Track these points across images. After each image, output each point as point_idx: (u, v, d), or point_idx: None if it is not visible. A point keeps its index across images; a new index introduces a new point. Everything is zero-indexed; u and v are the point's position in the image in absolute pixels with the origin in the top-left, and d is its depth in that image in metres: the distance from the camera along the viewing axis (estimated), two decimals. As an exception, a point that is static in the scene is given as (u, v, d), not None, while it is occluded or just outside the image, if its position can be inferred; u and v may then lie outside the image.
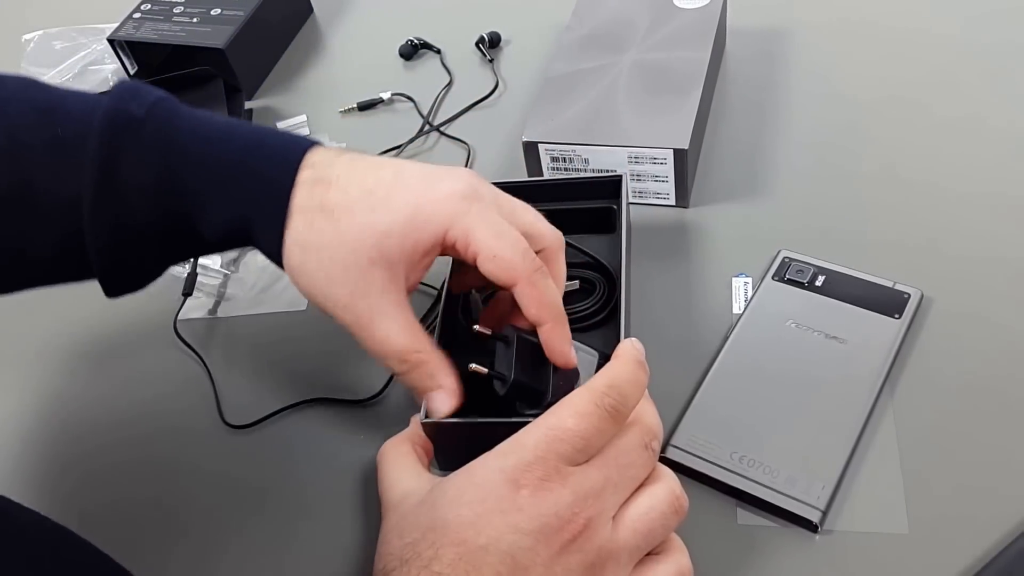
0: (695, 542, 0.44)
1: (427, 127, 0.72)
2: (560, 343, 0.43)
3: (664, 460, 0.48)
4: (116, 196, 0.42)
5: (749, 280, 0.57)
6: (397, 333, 0.42)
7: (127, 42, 0.79)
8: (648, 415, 0.39)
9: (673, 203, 0.62)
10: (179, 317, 0.61)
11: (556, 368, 0.44)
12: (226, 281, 0.64)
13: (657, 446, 0.39)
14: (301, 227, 0.42)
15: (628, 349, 0.39)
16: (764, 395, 0.50)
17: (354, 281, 0.42)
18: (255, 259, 0.65)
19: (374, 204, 0.42)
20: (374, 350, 0.43)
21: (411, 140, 0.71)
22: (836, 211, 0.60)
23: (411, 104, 0.75)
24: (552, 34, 0.77)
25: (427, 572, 0.34)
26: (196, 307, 0.62)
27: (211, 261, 0.64)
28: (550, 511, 0.35)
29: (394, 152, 0.71)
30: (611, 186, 0.58)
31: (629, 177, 0.61)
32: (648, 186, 0.61)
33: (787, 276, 0.56)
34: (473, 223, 0.42)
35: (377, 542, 0.39)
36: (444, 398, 0.43)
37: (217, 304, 0.63)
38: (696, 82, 0.62)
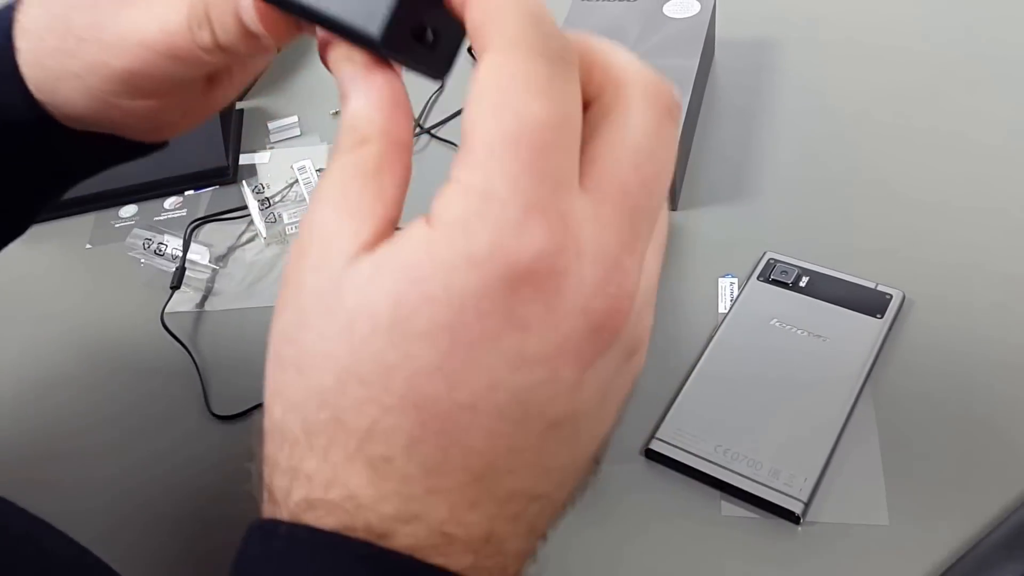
0: (681, 534, 0.45)
1: (418, 130, 0.73)
2: None
3: (650, 453, 0.48)
4: None
5: (735, 280, 0.58)
6: (160, 8, 0.32)
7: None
8: (622, 57, 0.25)
9: (661, 205, 0.63)
10: (166, 310, 0.61)
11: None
12: (214, 276, 0.64)
13: (673, 103, 0.25)
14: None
15: None
16: (749, 391, 0.51)
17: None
18: (244, 255, 0.65)
19: None
20: (162, 48, 0.32)
21: (402, 141, 0.72)
22: (821, 214, 0.61)
23: (403, 107, 0.76)
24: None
25: (347, 470, 0.22)
26: (184, 301, 0.62)
27: (199, 256, 0.64)
28: (575, 310, 0.22)
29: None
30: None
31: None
32: (636, 188, 0.62)
33: (772, 277, 0.57)
34: None
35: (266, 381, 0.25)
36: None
37: (205, 298, 0.63)
38: (685, 89, 0.63)
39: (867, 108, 0.68)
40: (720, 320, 0.55)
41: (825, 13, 0.77)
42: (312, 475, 0.23)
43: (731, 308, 0.55)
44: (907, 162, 0.64)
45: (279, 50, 0.33)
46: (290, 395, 0.24)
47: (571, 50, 0.23)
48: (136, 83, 0.33)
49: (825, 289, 0.55)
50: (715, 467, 0.47)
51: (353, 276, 0.22)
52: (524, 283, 0.21)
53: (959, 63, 0.71)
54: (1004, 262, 0.56)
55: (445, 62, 0.27)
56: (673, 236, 0.61)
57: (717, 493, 0.47)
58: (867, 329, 0.53)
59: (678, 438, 0.49)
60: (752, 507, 0.46)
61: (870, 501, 0.45)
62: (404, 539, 0.22)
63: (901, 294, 0.54)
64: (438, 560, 0.23)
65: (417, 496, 0.22)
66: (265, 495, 0.24)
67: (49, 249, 0.67)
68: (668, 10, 0.70)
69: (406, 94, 0.25)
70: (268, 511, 0.24)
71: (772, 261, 0.58)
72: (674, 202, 0.63)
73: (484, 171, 0.21)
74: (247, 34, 0.30)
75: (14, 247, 0.67)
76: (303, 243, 0.24)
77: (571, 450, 0.25)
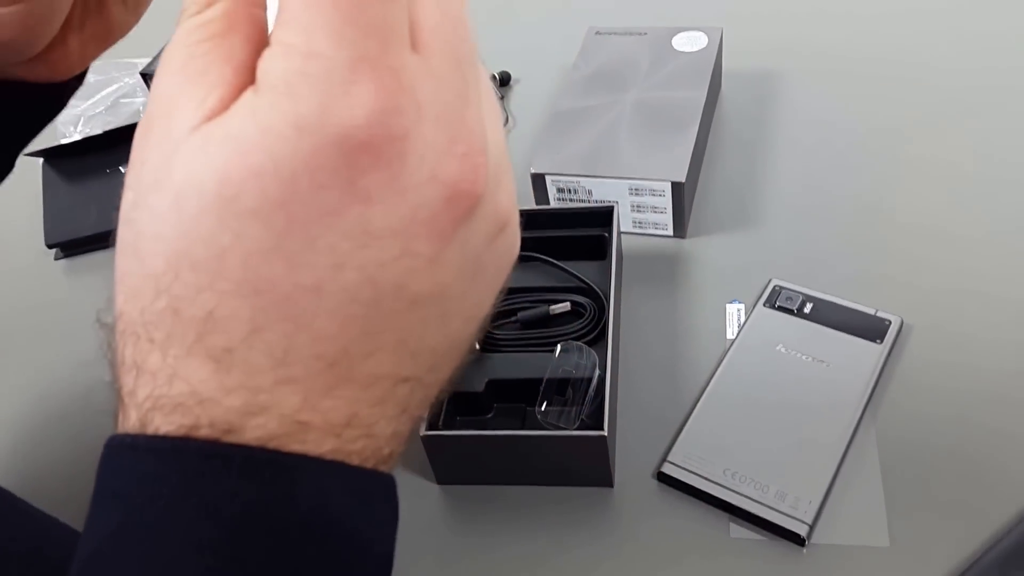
0: (692, 557, 0.47)
1: None
2: None
3: (662, 476, 0.51)
4: None
5: (742, 306, 0.60)
6: None
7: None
8: None
9: (671, 233, 0.66)
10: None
11: None
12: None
13: None
14: None
15: None
16: (756, 415, 0.53)
17: None
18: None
19: None
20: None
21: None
22: (824, 242, 0.64)
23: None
24: (560, 74, 0.80)
25: (188, 365, 0.21)
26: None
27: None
28: (423, 176, 0.21)
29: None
30: (604, 216, 0.62)
31: (630, 208, 0.65)
32: (648, 217, 0.65)
33: (777, 303, 0.60)
34: None
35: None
36: None
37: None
38: (693, 119, 0.66)
39: (869, 138, 0.71)
40: (728, 345, 0.58)
41: (829, 45, 0.80)
42: (156, 372, 0.22)
43: (738, 334, 0.58)
44: (907, 191, 0.66)
45: None
46: (130, 283, 0.22)
47: None
48: None
49: (828, 315, 0.58)
50: (724, 490, 0.50)
51: (184, 149, 0.20)
52: (361, 149, 0.20)
53: (959, 94, 0.73)
54: (1001, 288, 0.58)
55: None
56: (682, 263, 0.64)
57: (726, 516, 0.50)
58: (867, 354, 0.56)
59: (689, 462, 0.52)
60: (759, 529, 0.49)
61: (871, 523, 0.48)
62: (254, 431, 0.21)
63: (900, 320, 0.57)
64: (294, 447, 0.22)
65: (265, 387, 0.21)
66: (115, 396, 0.23)
67: (93, 280, 0.70)
68: (677, 43, 0.73)
69: None
70: (119, 414, 0.23)
71: (777, 288, 0.60)
72: (683, 230, 0.65)
73: (302, 27, 0.20)
74: None
75: (59, 275, 0.71)
76: (149, 116, 0.22)
77: (439, 331, 0.23)
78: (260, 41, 0.22)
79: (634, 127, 0.67)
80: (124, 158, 0.74)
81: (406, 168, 0.20)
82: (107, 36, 0.37)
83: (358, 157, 0.20)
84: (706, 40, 0.72)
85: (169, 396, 0.21)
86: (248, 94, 0.20)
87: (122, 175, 0.74)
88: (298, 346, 0.21)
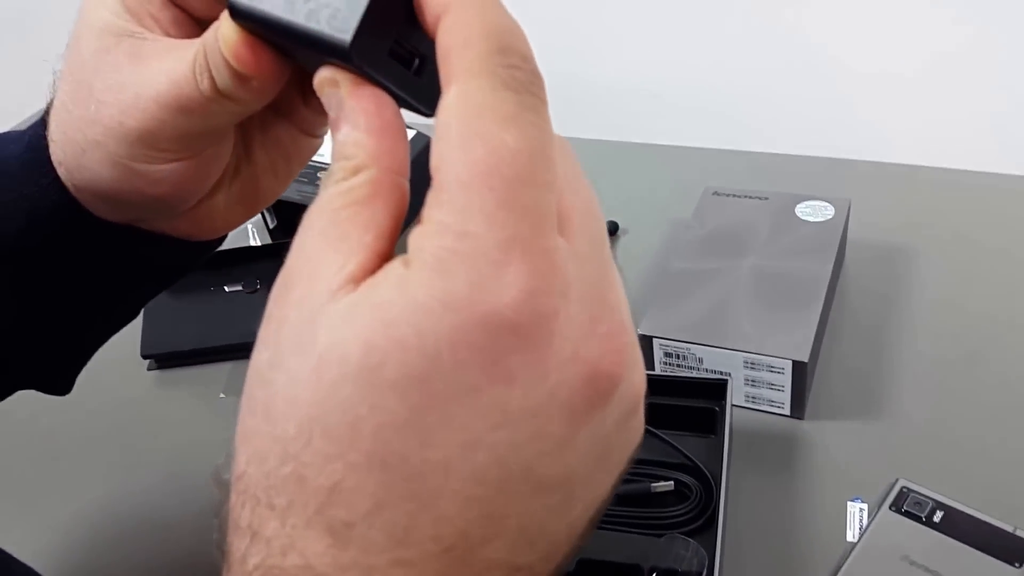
0: None
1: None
2: None
3: None
4: None
5: (865, 507, 0.55)
6: (171, 61, 0.30)
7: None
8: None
9: (788, 413, 0.61)
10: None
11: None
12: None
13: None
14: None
15: None
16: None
17: (86, 67, 0.32)
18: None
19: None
20: (171, 101, 0.30)
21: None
22: (958, 440, 0.58)
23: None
24: (670, 229, 0.79)
25: (306, 536, 0.21)
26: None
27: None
28: (565, 356, 0.20)
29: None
30: (716, 388, 0.58)
31: (743, 381, 0.61)
32: (763, 392, 0.61)
33: (904, 508, 0.54)
34: None
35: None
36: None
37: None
38: (817, 295, 0.63)
39: (1008, 324, 0.66)
40: (848, 550, 0.52)
41: (965, 222, 0.76)
42: (271, 539, 0.21)
43: (860, 538, 0.53)
44: (1052, 392, 0.61)
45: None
46: (256, 444, 0.21)
47: (540, 83, 0.22)
48: (153, 143, 0.32)
49: (961, 528, 0.52)
50: None
51: (330, 314, 0.21)
52: (508, 330, 0.20)
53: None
54: None
55: (437, 93, 0.23)
56: (799, 447, 0.59)
57: None
58: (1008, 581, 0.50)
59: None
60: None
61: None
62: None
63: (1048, 545, 0.51)
64: None
65: (379, 567, 0.20)
66: (224, 555, 0.22)
67: (182, 395, 0.70)
68: (801, 212, 0.70)
69: (400, 118, 0.24)
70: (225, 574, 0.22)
71: (906, 490, 0.55)
72: (801, 411, 0.61)
73: (457, 207, 0.20)
74: (237, 75, 0.28)
75: (150, 387, 0.70)
76: (289, 275, 0.22)
77: (561, 518, 0.22)
78: (401, 210, 0.22)
79: (752, 296, 0.64)
80: (227, 278, 0.75)
81: (551, 348, 0.20)
82: (254, 203, 0.37)
83: (504, 337, 0.20)
84: (832, 211, 0.70)
85: (282, 568, 0.21)
86: (398, 266, 0.21)
87: (225, 293, 0.74)
88: (418, 526, 0.20)
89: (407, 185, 0.23)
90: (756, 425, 0.61)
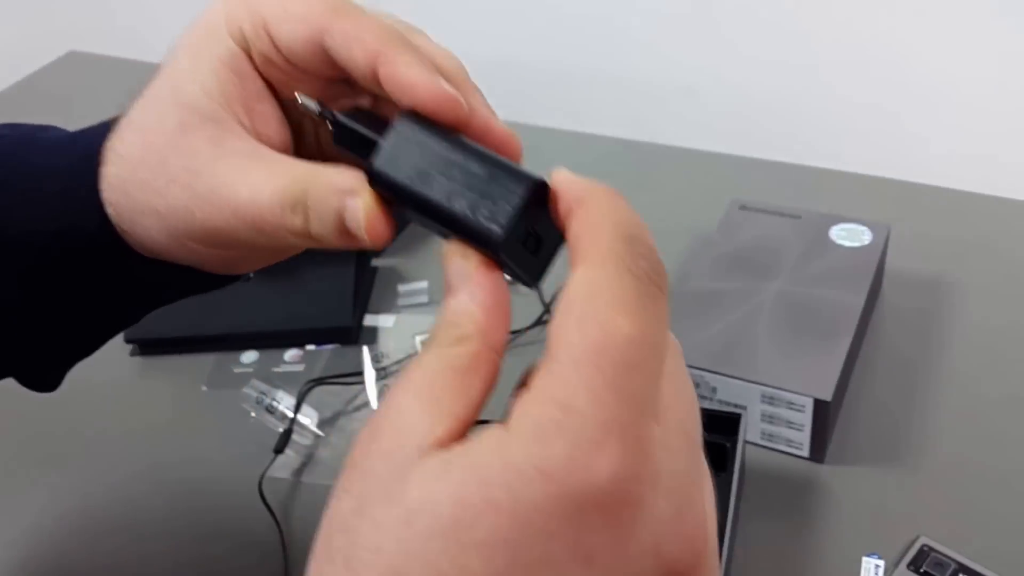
0: None
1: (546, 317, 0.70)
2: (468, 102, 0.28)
3: None
4: None
5: (881, 564, 0.51)
6: (257, 175, 0.30)
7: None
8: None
9: (807, 455, 0.57)
10: (266, 475, 0.58)
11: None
12: (317, 443, 0.62)
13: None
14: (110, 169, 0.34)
15: (586, 184, 0.25)
16: None
17: (172, 153, 0.31)
18: (349, 424, 0.63)
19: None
20: (248, 217, 0.30)
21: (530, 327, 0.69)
22: (989, 497, 0.54)
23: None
24: (691, 242, 0.73)
25: None
26: (283, 466, 0.60)
27: (308, 420, 0.62)
28: (647, 548, 0.21)
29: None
30: (729, 422, 0.54)
31: (760, 417, 0.56)
32: (780, 431, 0.57)
33: (923, 568, 0.50)
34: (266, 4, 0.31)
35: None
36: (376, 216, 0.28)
37: (304, 465, 0.60)
38: (847, 328, 0.58)
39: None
40: (860, 612, 0.48)
41: (1014, 256, 0.71)
42: None
43: (875, 601, 0.48)
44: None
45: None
46: None
47: (662, 274, 0.24)
48: (216, 240, 0.32)
49: (988, 597, 0.48)
50: None
51: (422, 469, 0.21)
52: (596, 508, 0.20)
53: None
54: None
55: (541, 269, 0.27)
56: (816, 493, 0.55)
57: None
58: (1041, 666, 0.45)
59: None
60: None
61: None
62: None
63: (1085, 627, 0.46)
64: None
65: None
66: None
67: (164, 386, 0.67)
68: (835, 235, 0.65)
69: (509, 300, 0.25)
70: None
71: (927, 548, 0.51)
72: (821, 454, 0.56)
73: (566, 383, 0.21)
74: (344, 232, 0.29)
75: (131, 373, 0.67)
76: (378, 426, 0.23)
77: None
78: (492, 386, 0.24)
79: (775, 324, 0.59)
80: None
81: (633, 536, 0.21)
82: (280, 252, 0.37)
83: (591, 515, 0.20)
84: (870, 236, 0.65)
85: None
86: (498, 431, 0.21)
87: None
88: None
89: (500, 362, 0.24)
90: (771, 466, 0.57)
